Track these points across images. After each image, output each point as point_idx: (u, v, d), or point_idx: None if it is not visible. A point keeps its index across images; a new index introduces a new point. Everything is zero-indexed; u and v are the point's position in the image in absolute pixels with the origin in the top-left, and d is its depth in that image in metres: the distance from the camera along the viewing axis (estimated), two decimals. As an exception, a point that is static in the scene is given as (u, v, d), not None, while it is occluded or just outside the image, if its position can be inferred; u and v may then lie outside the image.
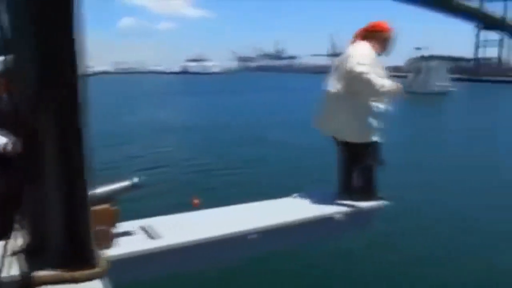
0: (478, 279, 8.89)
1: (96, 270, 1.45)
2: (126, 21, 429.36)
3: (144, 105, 44.35)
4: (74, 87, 1.36)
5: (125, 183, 2.90)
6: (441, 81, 66.85)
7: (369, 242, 9.02)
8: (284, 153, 20.72)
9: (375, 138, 3.73)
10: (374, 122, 3.69)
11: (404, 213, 11.05)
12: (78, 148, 1.40)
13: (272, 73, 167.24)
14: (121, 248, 2.72)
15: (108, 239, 2.66)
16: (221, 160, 19.19)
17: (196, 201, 11.94)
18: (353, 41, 3.82)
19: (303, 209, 3.54)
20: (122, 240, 2.83)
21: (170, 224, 3.19)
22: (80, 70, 1.37)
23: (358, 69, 3.52)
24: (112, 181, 2.92)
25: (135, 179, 2.93)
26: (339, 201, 3.71)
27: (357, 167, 3.83)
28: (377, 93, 3.57)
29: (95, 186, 2.79)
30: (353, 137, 3.78)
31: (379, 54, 3.77)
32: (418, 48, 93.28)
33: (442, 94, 61.71)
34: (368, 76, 3.50)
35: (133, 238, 2.90)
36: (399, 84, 3.61)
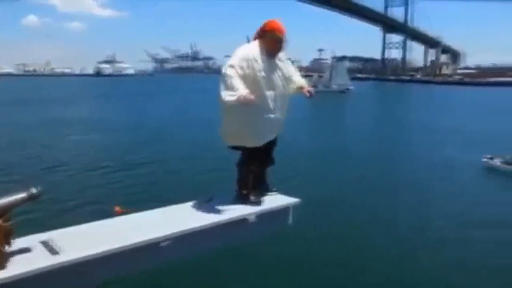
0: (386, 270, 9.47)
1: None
2: (30, 20, 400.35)
3: (47, 110, 41.84)
4: None
5: (21, 195, 2.64)
6: (342, 80, 71.70)
7: (282, 240, 9.26)
8: (194, 155, 20.65)
9: (251, 141, 3.69)
10: (244, 125, 3.62)
11: (313, 208, 11.48)
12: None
13: (189, 75, 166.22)
14: (18, 267, 2.46)
15: (0, 259, 2.40)
16: (127, 165, 18.65)
17: (117, 208, 11.38)
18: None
19: (216, 212, 3.47)
20: (20, 258, 2.57)
21: (75, 236, 2.97)
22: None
23: (223, 70, 3.51)
24: (5, 192, 2.63)
25: (33, 189, 2.67)
26: (251, 203, 3.68)
27: (242, 169, 3.85)
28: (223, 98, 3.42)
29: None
30: (232, 141, 3.77)
31: (271, 54, 3.66)
32: (320, 50, 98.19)
33: (342, 92, 66.52)
34: (224, 78, 3.44)
35: (33, 255, 2.64)
36: (246, 96, 3.31)
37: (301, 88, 3.90)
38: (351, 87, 72.90)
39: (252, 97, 3.35)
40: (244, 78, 3.48)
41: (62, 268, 2.54)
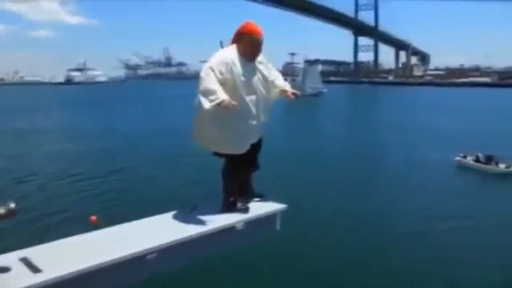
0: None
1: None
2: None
3: (17, 119, 40.76)
4: None
5: (-3, 210, 2.50)
6: (315, 84, 72.51)
7: (270, 246, 9.22)
8: (172, 163, 20.42)
9: (233, 147, 3.59)
10: (225, 131, 3.52)
11: (303, 214, 11.55)
12: None
13: (162, 81, 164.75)
14: (-3, 288, 2.32)
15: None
16: (102, 173, 18.33)
17: (93, 217, 11.11)
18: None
19: (203, 221, 3.36)
20: (-1, 277, 2.43)
21: (56, 252, 2.83)
22: None
23: (201, 74, 3.42)
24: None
25: (11, 204, 2.54)
26: (238, 210, 3.61)
27: (227, 176, 3.75)
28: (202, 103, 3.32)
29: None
30: (214, 147, 3.67)
31: (248, 58, 3.56)
32: (292, 53, 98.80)
33: (315, 95, 67.25)
34: (203, 83, 3.35)
35: (12, 274, 2.49)
36: (226, 101, 3.22)
37: (284, 91, 3.81)
38: (324, 90, 73.86)
39: (233, 102, 3.27)
40: (224, 82, 3.38)
41: (46, 286, 2.41)
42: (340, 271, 9.48)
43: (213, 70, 3.38)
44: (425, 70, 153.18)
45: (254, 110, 3.57)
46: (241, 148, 3.60)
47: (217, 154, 3.71)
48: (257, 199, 3.84)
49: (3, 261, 2.58)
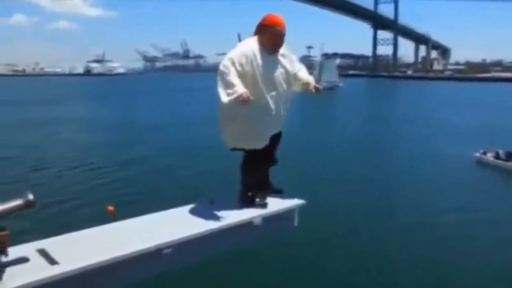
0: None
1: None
2: (19, 19, 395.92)
3: (38, 110, 41.40)
4: None
5: (17, 202, 2.49)
6: (331, 77, 71.82)
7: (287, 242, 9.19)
8: (190, 154, 20.47)
9: (251, 142, 3.54)
10: (237, 126, 3.47)
11: (320, 210, 11.45)
12: None
13: (179, 73, 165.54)
14: (15, 279, 2.32)
15: (-5, 271, 2.27)
16: (121, 165, 18.42)
17: (110, 207, 11.25)
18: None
19: (220, 215, 3.31)
20: (16, 269, 2.42)
21: (73, 244, 2.82)
22: None
23: (221, 67, 3.34)
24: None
25: (30, 196, 2.53)
26: (257, 205, 3.56)
27: (245, 171, 3.71)
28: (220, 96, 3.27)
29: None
30: (232, 143, 3.62)
31: (270, 50, 3.47)
32: (309, 47, 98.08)
33: (330, 89, 66.62)
34: (222, 76, 3.27)
35: (30, 265, 2.49)
36: (244, 94, 3.15)
37: (307, 84, 3.69)
38: (340, 84, 73.22)
39: (250, 96, 3.19)
40: (244, 75, 3.31)
41: (62, 279, 2.40)
42: (358, 266, 9.40)
43: (233, 63, 3.31)
44: (445, 65, 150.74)
45: (274, 104, 3.48)
46: (260, 143, 3.54)
47: (235, 148, 3.65)
48: (277, 194, 3.79)
49: (20, 252, 2.58)
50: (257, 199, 3.60)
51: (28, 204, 2.51)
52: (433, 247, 10.47)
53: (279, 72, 3.52)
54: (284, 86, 3.57)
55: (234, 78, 3.24)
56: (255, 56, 3.39)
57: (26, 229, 7.12)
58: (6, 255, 2.39)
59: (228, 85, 3.22)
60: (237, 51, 3.40)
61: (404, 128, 31.42)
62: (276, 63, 3.52)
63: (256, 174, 3.70)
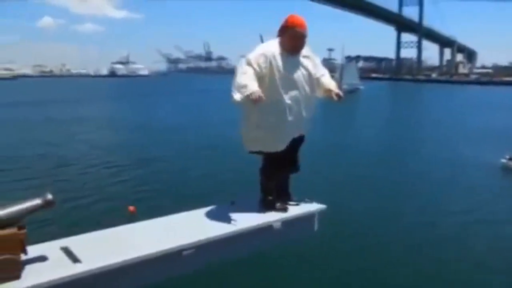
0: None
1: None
2: (46, 21, 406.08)
3: (65, 110, 42.22)
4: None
5: (37, 201, 2.51)
6: (352, 80, 71.00)
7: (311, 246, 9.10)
8: (212, 156, 20.51)
9: (269, 145, 3.47)
10: (255, 129, 3.43)
11: (340, 214, 11.32)
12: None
13: (202, 75, 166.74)
14: (37, 276, 2.33)
15: (15, 269, 2.27)
16: (143, 165, 18.58)
17: (131, 207, 11.30)
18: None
19: (241, 218, 3.29)
20: (37, 267, 2.44)
21: (95, 243, 2.83)
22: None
23: (238, 65, 3.32)
24: (20, 199, 2.51)
25: (49, 195, 2.54)
26: (277, 209, 3.51)
27: (264, 175, 3.65)
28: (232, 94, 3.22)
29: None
30: (250, 146, 3.55)
31: (291, 52, 3.40)
32: (330, 49, 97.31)
33: (351, 92, 65.79)
34: (237, 74, 3.24)
35: (52, 263, 2.51)
36: (256, 93, 3.08)
37: (329, 91, 3.59)
38: (360, 87, 72.41)
39: (262, 95, 3.11)
40: (261, 75, 3.26)
41: (84, 277, 2.41)
42: (379, 271, 9.26)
43: (250, 63, 3.28)
44: (471, 68, 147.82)
45: (294, 106, 3.40)
46: (277, 146, 3.46)
47: (252, 152, 3.59)
48: (293, 203, 3.69)
49: (43, 250, 2.60)
50: (278, 204, 3.55)
51: (47, 204, 2.53)
52: (454, 252, 10.29)
53: (300, 73, 3.44)
54: (306, 88, 3.47)
55: (248, 77, 3.19)
56: (274, 56, 3.34)
57: (51, 227, 7.23)
58: (26, 253, 2.41)
59: (241, 84, 3.17)
60: (256, 52, 3.36)
61: (427, 132, 30.86)
62: (298, 64, 3.45)
63: (275, 177, 3.63)
